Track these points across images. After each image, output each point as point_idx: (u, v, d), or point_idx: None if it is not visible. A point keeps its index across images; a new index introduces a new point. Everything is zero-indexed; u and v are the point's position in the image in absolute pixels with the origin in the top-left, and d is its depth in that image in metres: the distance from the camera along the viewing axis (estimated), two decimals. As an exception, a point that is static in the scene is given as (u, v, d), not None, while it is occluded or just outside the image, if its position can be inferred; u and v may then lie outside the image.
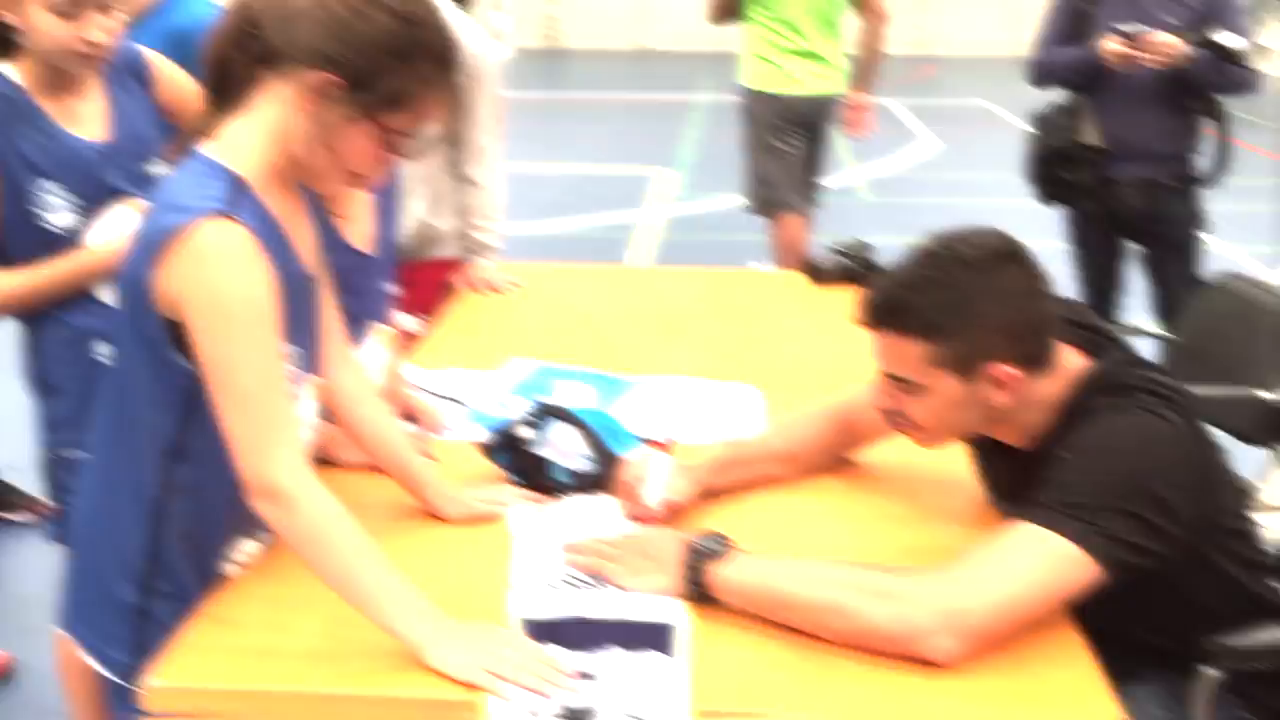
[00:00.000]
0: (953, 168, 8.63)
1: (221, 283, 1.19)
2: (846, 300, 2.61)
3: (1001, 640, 1.24)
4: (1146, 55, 3.12)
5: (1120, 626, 1.49)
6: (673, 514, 1.52)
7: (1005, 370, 1.39)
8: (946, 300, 1.38)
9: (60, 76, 1.76)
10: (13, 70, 1.76)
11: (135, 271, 1.24)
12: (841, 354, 2.11)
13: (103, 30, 1.75)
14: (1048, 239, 2.88)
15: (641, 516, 1.51)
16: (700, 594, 1.29)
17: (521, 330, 2.36)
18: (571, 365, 2.09)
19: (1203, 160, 3.34)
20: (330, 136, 1.25)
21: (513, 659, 1.15)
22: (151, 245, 1.21)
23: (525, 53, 16.66)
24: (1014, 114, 11.28)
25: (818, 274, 2.70)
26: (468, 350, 2.18)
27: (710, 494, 1.59)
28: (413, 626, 1.17)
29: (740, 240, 4.92)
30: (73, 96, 1.78)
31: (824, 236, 5.45)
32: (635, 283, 3.04)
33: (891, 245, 2.68)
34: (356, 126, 1.25)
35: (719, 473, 1.61)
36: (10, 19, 1.71)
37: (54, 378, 1.86)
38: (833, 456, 1.69)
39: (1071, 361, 1.45)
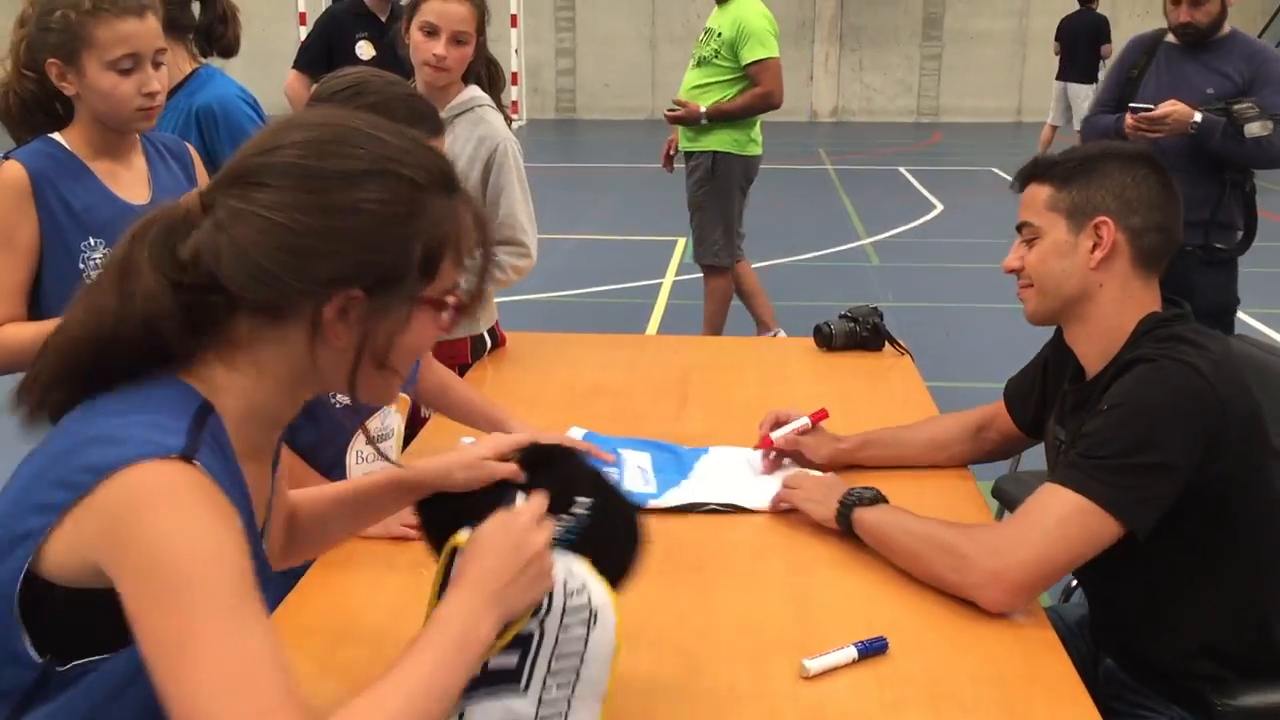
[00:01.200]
0: (958, 232, 8.70)
1: (177, 538, 0.87)
2: (856, 366, 2.67)
3: (1044, 588, 1.48)
4: (1148, 130, 3.21)
5: (1140, 644, 1.59)
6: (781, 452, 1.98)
7: (1107, 225, 1.60)
8: (1081, 159, 1.65)
9: (107, 141, 1.88)
10: (61, 138, 1.89)
11: (19, 518, 0.93)
12: (852, 420, 2.16)
13: (159, 82, 1.87)
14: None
15: (762, 441, 1.99)
16: (848, 527, 1.66)
17: (541, 398, 2.41)
18: (625, 435, 2.12)
19: (1234, 231, 3.32)
20: (379, 348, 0.99)
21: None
22: (65, 485, 0.90)
23: (539, 124, 16.95)
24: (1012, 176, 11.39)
25: (827, 340, 2.74)
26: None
27: (852, 464, 1.97)
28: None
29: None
30: (117, 161, 1.91)
31: (833, 301, 5.48)
32: (650, 350, 3.09)
33: (897, 309, 2.73)
34: (405, 316, 1.00)
35: (862, 447, 1.98)
36: (68, 89, 1.82)
37: None
38: (968, 448, 2.00)
39: (1152, 300, 1.63)
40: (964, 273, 7.25)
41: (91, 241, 1.85)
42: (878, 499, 1.67)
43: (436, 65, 2.45)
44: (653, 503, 1.81)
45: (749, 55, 4.61)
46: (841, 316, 2.77)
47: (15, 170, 1.80)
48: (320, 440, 1.71)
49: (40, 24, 1.79)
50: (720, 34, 4.65)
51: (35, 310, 1.90)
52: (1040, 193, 1.64)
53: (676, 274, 7.12)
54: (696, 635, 1.44)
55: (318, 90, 1.71)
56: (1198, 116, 3.18)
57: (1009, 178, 1.84)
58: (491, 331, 2.70)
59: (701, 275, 5.04)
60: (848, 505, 1.67)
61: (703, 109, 4.69)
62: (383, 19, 4.77)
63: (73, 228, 1.84)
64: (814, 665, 1.35)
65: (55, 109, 1.87)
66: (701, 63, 4.76)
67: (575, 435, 2.10)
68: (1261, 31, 15.49)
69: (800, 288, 6.68)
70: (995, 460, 2.06)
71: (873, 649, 1.38)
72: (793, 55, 17.68)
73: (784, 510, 1.79)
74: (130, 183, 1.91)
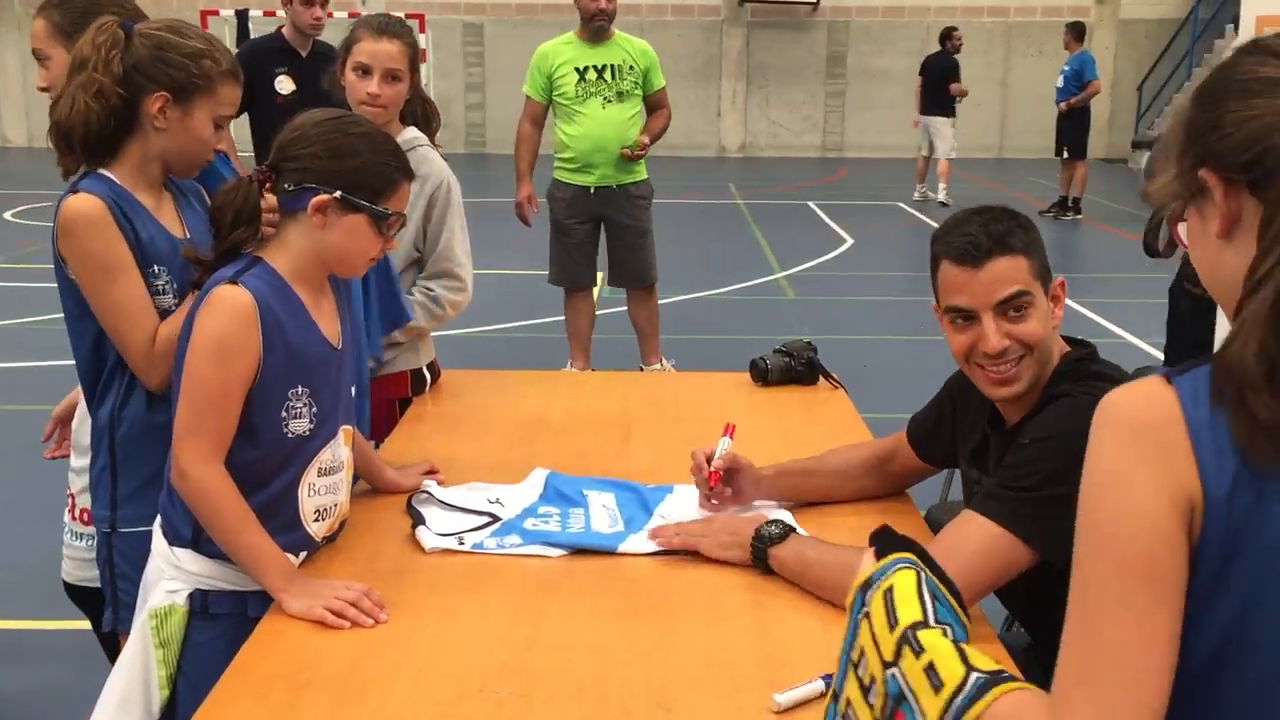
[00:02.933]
0: (869, 265, 8.90)
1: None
2: (791, 400, 2.71)
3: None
4: None
5: None
6: (723, 478, 1.95)
7: (1063, 283, 1.72)
8: (1024, 226, 1.70)
9: (152, 178, 1.92)
10: (111, 174, 1.88)
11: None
12: (793, 453, 2.19)
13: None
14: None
15: (710, 477, 1.94)
16: (764, 565, 1.70)
17: (485, 435, 2.39)
18: (584, 475, 2.12)
19: None
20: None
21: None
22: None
23: (449, 158, 16.87)
24: (918, 210, 11.75)
25: (763, 375, 2.78)
26: (428, 457, 2.20)
27: (771, 495, 2.00)
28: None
29: (691, 340, 5.04)
30: (159, 198, 1.94)
31: (755, 335, 5.52)
32: (588, 386, 3.09)
33: (815, 341, 2.81)
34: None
35: (778, 478, 2.01)
36: (159, 123, 1.84)
37: (125, 454, 1.93)
38: (875, 481, 2.04)
39: (1063, 348, 1.73)
40: (877, 305, 7.41)
41: (155, 270, 1.88)
42: (787, 532, 1.71)
43: (372, 103, 2.47)
44: (622, 548, 1.81)
45: (659, 81, 4.95)
46: (776, 351, 2.82)
47: (94, 201, 1.81)
48: (267, 468, 1.69)
49: (160, 56, 1.82)
50: (633, 66, 4.86)
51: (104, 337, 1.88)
52: (1020, 263, 1.68)
53: (598, 308, 7.15)
54: (664, 674, 1.45)
55: (304, 119, 1.73)
56: None
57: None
58: (430, 366, 2.68)
59: (626, 307, 5.15)
60: (761, 545, 1.70)
61: (646, 139, 4.92)
62: (302, 54, 4.73)
63: (141, 257, 1.86)
64: (784, 699, 1.36)
65: (120, 138, 1.86)
66: (622, 96, 4.88)
67: (539, 476, 2.09)
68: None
69: (720, 322, 6.76)
70: (904, 489, 2.08)
71: None
72: (700, 92, 17.94)
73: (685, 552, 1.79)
74: (169, 217, 1.94)
